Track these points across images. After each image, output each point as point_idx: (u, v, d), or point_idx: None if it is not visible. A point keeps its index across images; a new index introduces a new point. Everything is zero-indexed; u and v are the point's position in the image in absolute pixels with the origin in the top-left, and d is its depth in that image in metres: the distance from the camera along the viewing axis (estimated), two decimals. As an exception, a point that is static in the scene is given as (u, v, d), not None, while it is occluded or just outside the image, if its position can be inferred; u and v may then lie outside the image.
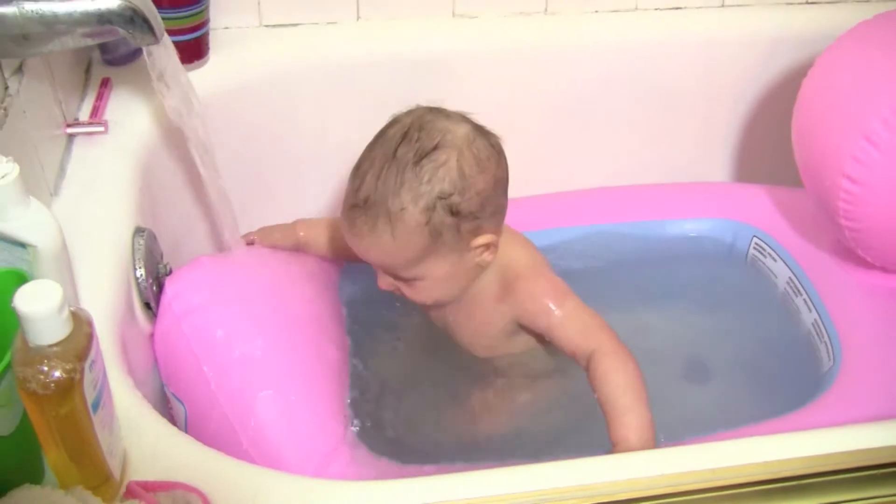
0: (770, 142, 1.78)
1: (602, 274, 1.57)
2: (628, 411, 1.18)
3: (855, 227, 1.34)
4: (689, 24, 1.77)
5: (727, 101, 1.81)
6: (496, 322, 1.32)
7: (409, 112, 1.26)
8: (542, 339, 1.32)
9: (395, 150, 1.21)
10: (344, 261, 1.48)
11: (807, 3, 1.82)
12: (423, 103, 1.26)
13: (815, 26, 1.75)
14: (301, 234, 1.44)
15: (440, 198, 1.19)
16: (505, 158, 1.27)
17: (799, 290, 1.48)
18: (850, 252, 1.43)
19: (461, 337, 1.38)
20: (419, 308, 1.40)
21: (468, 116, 1.26)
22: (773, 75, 1.79)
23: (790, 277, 1.50)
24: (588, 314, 1.27)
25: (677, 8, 1.78)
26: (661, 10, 1.78)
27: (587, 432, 1.21)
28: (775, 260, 1.53)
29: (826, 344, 1.39)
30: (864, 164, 1.29)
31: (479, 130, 1.25)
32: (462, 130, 1.23)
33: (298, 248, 1.44)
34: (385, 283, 1.29)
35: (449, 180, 1.20)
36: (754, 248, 1.57)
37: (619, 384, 1.20)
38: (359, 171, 1.23)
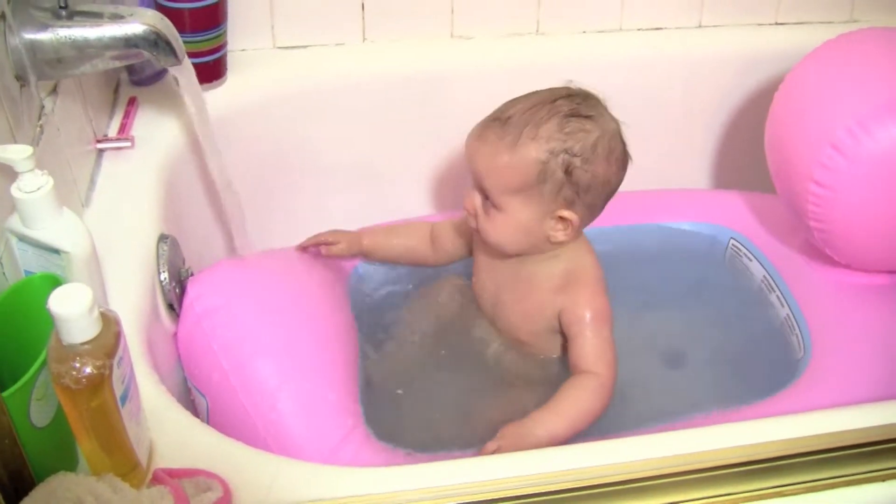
0: (745, 151, 1.78)
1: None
2: (560, 415, 1.19)
3: (823, 228, 1.34)
4: (669, 43, 1.77)
5: (705, 113, 1.81)
6: (546, 310, 1.31)
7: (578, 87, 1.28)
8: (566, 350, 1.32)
9: (556, 100, 1.24)
10: (406, 264, 1.49)
11: (777, 24, 1.82)
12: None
13: (785, 45, 1.75)
14: (365, 242, 1.45)
15: (566, 152, 1.20)
16: (625, 171, 1.29)
17: (772, 287, 1.47)
18: (818, 251, 1.43)
19: (509, 316, 1.36)
20: (463, 292, 1.43)
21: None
22: (747, 90, 1.79)
23: (764, 276, 1.50)
24: (611, 347, 1.27)
25: (658, 28, 1.79)
26: (643, 30, 1.78)
27: (581, 436, 1.20)
28: (751, 259, 1.53)
29: (797, 336, 1.39)
30: (830, 169, 1.29)
31: (623, 137, 1.28)
32: (614, 125, 1.26)
33: (362, 255, 1.47)
34: (471, 201, 1.28)
35: (581, 146, 1.21)
36: (731, 248, 1.57)
37: (578, 397, 1.22)
38: (511, 102, 1.26)
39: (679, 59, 1.77)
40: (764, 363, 1.42)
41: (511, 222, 1.25)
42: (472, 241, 1.42)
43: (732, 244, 1.57)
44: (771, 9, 1.81)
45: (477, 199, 1.28)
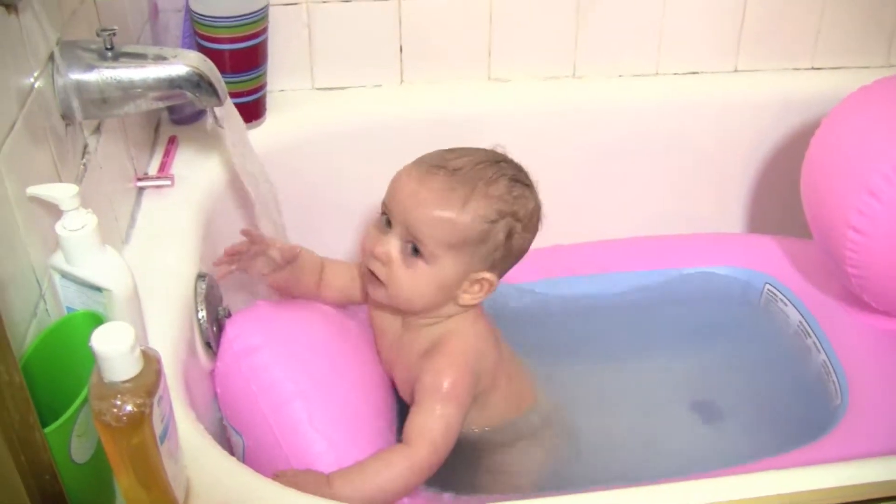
0: (781, 196, 1.77)
1: (625, 316, 1.56)
2: (356, 489, 1.09)
3: (861, 274, 1.33)
4: (704, 87, 1.77)
5: (741, 158, 1.81)
6: (413, 379, 1.22)
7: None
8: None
9: (499, 161, 1.20)
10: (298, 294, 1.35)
11: (813, 68, 1.82)
12: None
13: (821, 90, 1.75)
14: (326, 272, 1.34)
15: (512, 216, 1.17)
16: None
17: (808, 333, 1.46)
18: (856, 298, 1.42)
19: (397, 379, 1.30)
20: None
21: None
22: (782, 134, 1.79)
23: (800, 321, 1.49)
24: (442, 426, 1.15)
25: (694, 73, 1.79)
26: (679, 74, 1.78)
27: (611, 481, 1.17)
28: (786, 305, 1.52)
29: (834, 383, 1.38)
30: (867, 216, 1.28)
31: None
32: (538, 201, 1.23)
33: (316, 284, 1.34)
34: (384, 248, 1.17)
35: (524, 212, 1.18)
36: (767, 293, 1.56)
37: (379, 473, 1.11)
38: (449, 151, 1.21)
39: (715, 104, 1.77)
40: (800, 410, 1.41)
41: (434, 277, 1.17)
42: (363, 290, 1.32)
43: (768, 289, 1.56)
44: (807, 53, 1.81)
45: (394, 246, 1.18)
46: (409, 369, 1.25)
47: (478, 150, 1.23)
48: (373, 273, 1.20)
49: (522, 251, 1.22)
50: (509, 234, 1.18)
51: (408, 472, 1.12)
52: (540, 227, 1.24)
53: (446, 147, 1.24)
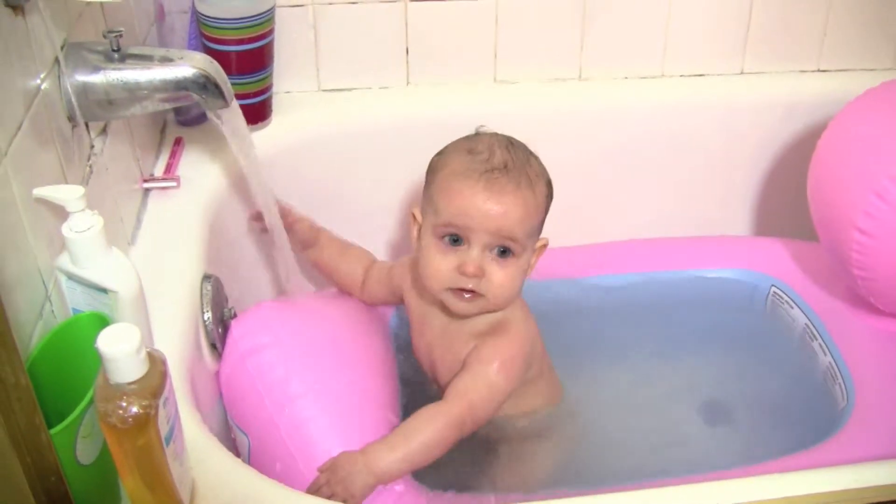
0: (787, 198, 1.77)
1: (632, 318, 1.56)
2: (394, 450, 1.12)
3: (867, 276, 1.33)
4: (710, 89, 1.77)
5: (747, 160, 1.80)
6: (463, 353, 1.24)
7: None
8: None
9: (510, 141, 1.23)
10: (336, 286, 1.45)
11: (819, 70, 1.82)
12: None
13: (827, 92, 1.75)
14: (322, 240, 1.44)
15: (548, 184, 1.23)
16: None
17: (814, 336, 1.46)
18: (862, 300, 1.41)
19: (440, 372, 1.30)
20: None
21: None
22: (788, 137, 1.78)
23: (806, 324, 1.48)
24: (486, 390, 1.19)
25: (700, 75, 1.79)
26: (685, 76, 1.78)
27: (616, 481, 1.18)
28: (792, 307, 1.52)
29: (840, 385, 1.37)
30: (874, 217, 1.28)
31: None
32: None
33: (306, 249, 1.43)
34: (475, 265, 1.17)
35: (547, 179, 1.23)
36: (773, 296, 1.56)
37: (416, 429, 1.15)
38: (476, 149, 1.21)
39: (721, 106, 1.76)
40: (806, 413, 1.41)
41: (524, 266, 1.21)
42: (405, 292, 1.35)
43: (774, 292, 1.56)
44: (813, 56, 1.80)
45: (480, 258, 1.18)
46: (456, 354, 1.26)
47: (480, 137, 1.25)
48: (464, 290, 1.20)
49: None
50: (550, 199, 1.24)
51: (441, 426, 1.16)
52: None
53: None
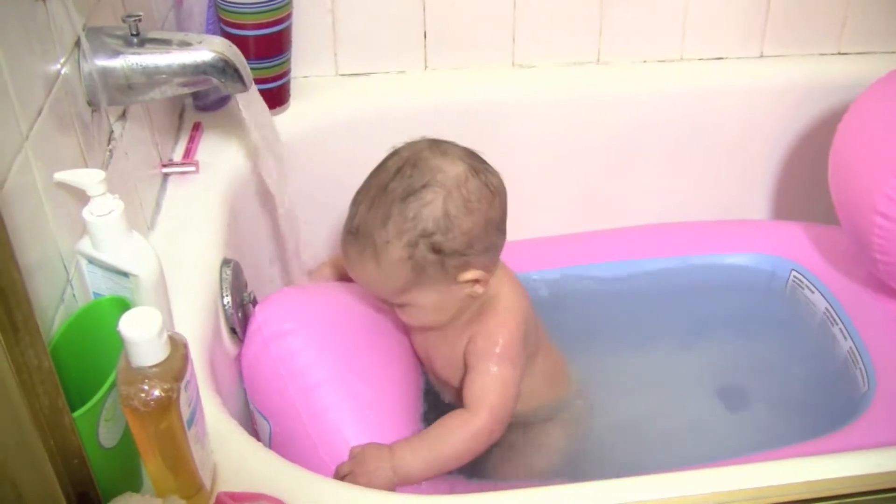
0: (807, 182, 1.76)
1: (651, 303, 1.56)
2: (417, 457, 1.13)
3: (888, 260, 1.32)
4: (730, 72, 1.76)
5: (767, 143, 1.79)
6: (460, 349, 1.24)
7: (411, 145, 1.20)
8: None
9: (388, 184, 1.15)
10: None
11: (840, 53, 1.81)
12: (485, 146, 1.23)
13: (847, 75, 1.74)
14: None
15: (423, 236, 1.12)
16: (501, 198, 1.18)
17: (835, 320, 1.45)
18: (883, 284, 1.41)
19: (437, 364, 1.30)
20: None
21: (472, 153, 1.19)
22: (808, 120, 1.78)
23: (827, 308, 1.48)
24: (500, 387, 1.18)
25: (719, 58, 1.78)
26: (704, 59, 1.77)
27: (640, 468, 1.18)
28: (812, 292, 1.51)
29: (861, 370, 1.37)
30: (896, 201, 1.28)
31: (476, 170, 1.16)
32: (455, 170, 1.15)
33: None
34: (380, 302, 1.24)
35: (433, 220, 1.12)
36: (793, 280, 1.55)
37: (443, 440, 1.15)
38: (356, 198, 1.19)
39: (740, 89, 1.75)
40: (827, 397, 1.40)
41: (423, 310, 1.19)
42: None
43: (794, 276, 1.55)
44: (833, 38, 1.79)
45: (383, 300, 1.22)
46: (452, 346, 1.25)
47: (374, 175, 1.19)
48: None
49: (480, 230, 1.15)
50: (436, 249, 1.13)
51: (467, 438, 1.15)
52: (476, 196, 1.15)
53: (471, 134, 1.23)
